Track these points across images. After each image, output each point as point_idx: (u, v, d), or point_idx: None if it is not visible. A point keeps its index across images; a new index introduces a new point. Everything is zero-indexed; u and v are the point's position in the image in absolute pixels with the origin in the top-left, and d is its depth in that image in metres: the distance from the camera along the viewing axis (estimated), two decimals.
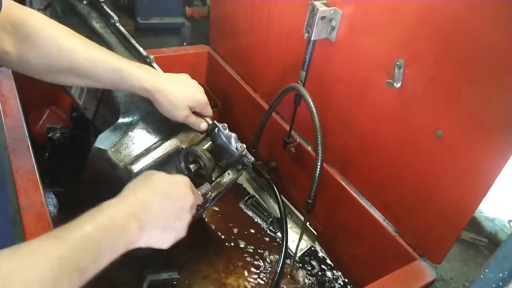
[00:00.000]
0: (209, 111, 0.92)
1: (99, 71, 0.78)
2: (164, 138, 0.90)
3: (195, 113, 0.90)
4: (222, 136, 0.91)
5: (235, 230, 1.22)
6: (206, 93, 0.93)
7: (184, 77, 0.91)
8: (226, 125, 0.91)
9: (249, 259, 1.14)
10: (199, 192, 0.77)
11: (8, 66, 0.78)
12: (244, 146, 0.90)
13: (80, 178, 0.97)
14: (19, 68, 0.77)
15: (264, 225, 1.26)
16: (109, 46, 0.97)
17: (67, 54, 0.76)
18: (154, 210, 0.63)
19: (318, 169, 0.91)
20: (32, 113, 1.30)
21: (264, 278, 1.10)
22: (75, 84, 0.81)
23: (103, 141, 0.88)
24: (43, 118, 1.29)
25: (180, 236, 0.68)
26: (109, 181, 0.87)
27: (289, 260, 1.15)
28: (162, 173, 0.69)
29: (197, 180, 0.82)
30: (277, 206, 1.24)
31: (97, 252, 0.55)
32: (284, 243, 1.12)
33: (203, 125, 0.90)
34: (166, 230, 0.66)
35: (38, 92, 1.27)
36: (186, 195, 0.68)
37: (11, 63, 0.75)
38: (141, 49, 0.97)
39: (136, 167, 0.84)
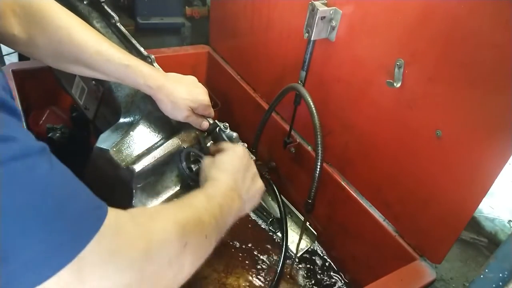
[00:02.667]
0: (211, 112, 0.92)
1: (107, 64, 0.78)
2: (166, 137, 0.90)
3: (198, 115, 0.90)
4: (224, 136, 0.91)
5: (235, 230, 1.22)
6: None
7: (191, 79, 0.91)
8: (227, 124, 0.91)
9: (249, 259, 1.14)
10: None
11: (14, 48, 0.77)
12: (245, 145, 0.90)
13: (81, 178, 0.97)
14: (25, 51, 0.77)
15: (264, 225, 1.26)
16: None
17: (77, 44, 0.75)
18: (240, 183, 0.75)
19: (318, 169, 0.91)
20: (32, 113, 1.30)
21: (264, 278, 1.10)
22: (80, 73, 0.81)
23: (105, 141, 0.88)
24: (43, 118, 1.29)
25: (263, 189, 0.82)
26: (111, 180, 0.87)
27: (289, 260, 1.15)
28: (225, 155, 0.78)
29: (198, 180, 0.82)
30: (277, 206, 1.24)
31: (219, 212, 0.64)
32: (284, 243, 1.12)
33: (205, 124, 0.90)
34: (252, 194, 0.79)
35: (38, 92, 1.27)
36: (252, 162, 0.82)
37: (18, 45, 0.74)
38: (141, 49, 0.97)
39: (137, 167, 0.84)
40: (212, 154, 0.82)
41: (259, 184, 0.81)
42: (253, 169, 0.81)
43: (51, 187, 0.39)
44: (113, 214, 0.44)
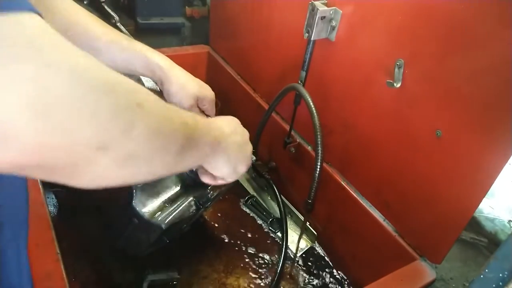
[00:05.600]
0: (213, 110, 0.93)
1: (115, 47, 0.78)
2: None
3: (200, 110, 0.90)
4: None
5: (235, 230, 1.22)
6: None
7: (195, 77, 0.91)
8: None
9: (249, 259, 1.14)
10: None
11: None
12: (254, 157, 0.90)
13: None
14: None
15: (264, 225, 1.26)
16: None
17: (92, 36, 0.75)
18: (228, 137, 0.65)
19: (318, 169, 0.91)
20: None
21: (264, 278, 1.10)
22: None
23: None
24: None
25: (248, 164, 0.73)
26: None
27: (289, 260, 1.15)
28: (218, 118, 0.70)
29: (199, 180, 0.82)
30: (277, 206, 1.24)
31: (185, 141, 0.49)
32: (284, 243, 1.12)
33: None
34: (239, 156, 0.69)
35: None
36: (242, 128, 0.74)
37: None
38: None
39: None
40: None
41: (248, 153, 0.74)
42: (244, 133, 0.74)
43: None
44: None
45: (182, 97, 0.84)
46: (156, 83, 0.87)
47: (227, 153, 0.65)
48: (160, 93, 0.87)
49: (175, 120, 0.47)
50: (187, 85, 0.83)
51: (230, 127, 0.68)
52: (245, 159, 0.72)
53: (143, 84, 0.92)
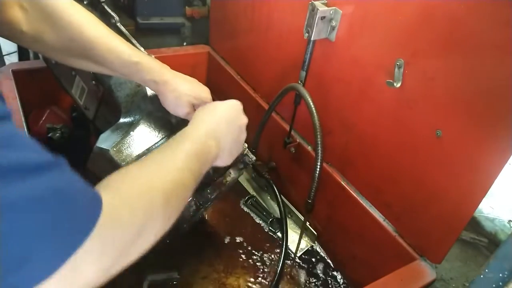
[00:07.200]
0: None
1: (117, 61, 0.78)
2: (166, 137, 0.90)
3: None
4: None
5: (235, 230, 1.22)
6: None
7: (193, 79, 0.91)
8: None
9: (249, 259, 1.14)
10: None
11: (21, 43, 0.76)
12: (246, 145, 0.90)
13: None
14: (31, 46, 0.76)
15: (264, 225, 1.26)
16: None
17: (88, 41, 0.75)
18: (222, 132, 0.75)
19: (318, 169, 0.91)
20: (32, 113, 1.30)
21: (264, 278, 1.10)
22: (87, 68, 0.81)
23: (105, 140, 0.88)
24: (43, 118, 1.29)
25: (241, 149, 0.83)
26: None
27: (289, 260, 1.15)
28: (219, 102, 0.80)
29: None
30: (277, 206, 1.24)
31: (196, 162, 0.63)
32: (284, 243, 1.12)
33: None
34: (233, 146, 0.78)
35: (38, 92, 1.27)
36: (241, 116, 0.82)
37: (25, 41, 0.73)
38: (142, 49, 0.97)
39: None
40: None
41: (241, 139, 0.82)
42: (243, 124, 0.81)
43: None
44: (108, 200, 0.43)
45: (176, 107, 0.86)
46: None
47: (224, 149, 0.75)
48: None
49: (188, 182, 0.60)
50: (181, 96, 0.84)
51: (226, 124, 0.76)
52: (239, 147, 0.82)
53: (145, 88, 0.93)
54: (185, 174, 0.59)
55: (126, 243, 0.45)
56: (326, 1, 0.96)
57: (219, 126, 0.74)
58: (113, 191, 0.47)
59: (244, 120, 0.82)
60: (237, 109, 0.82)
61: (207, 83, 0.91)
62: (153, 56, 0.95)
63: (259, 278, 1.10)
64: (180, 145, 0.64)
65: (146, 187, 0.52)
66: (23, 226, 0.34)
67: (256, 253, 1.16)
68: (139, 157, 0.86)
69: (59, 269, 0.37)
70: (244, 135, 0.82)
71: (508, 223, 1.64)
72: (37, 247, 0.35)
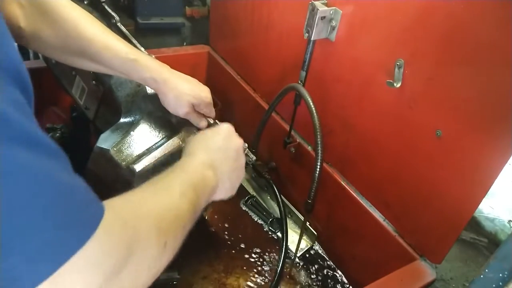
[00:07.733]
0: (212, 111, 0.92)
1: (114, 59, 0.78)
2: (166, 137, 0.90)
3: (198, 113, 0.90)
4: None
5: (235, 230, 1.22)
6: None
7: (193, 79, 0.91)
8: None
9: (249, 259, 1.14)
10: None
11: (19, 42, 0.75)
12: (246, 145, 0.90)
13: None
14: (29, 44, 0.75)
15: (264, 225, 1.26)
16: None
17: (84, 38, 0.75)
18: (219, 160, 0.72)
19: (318, 169, 0.91)
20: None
21: (264, 278, 1.10)
22: (85, 67, 0.81)
23: (105, 140, 0.88)
24: (43, 118, 1.29)
25: (243, 175, 0.81)
26: (111, 180, 0.87)
27: (289, 260, 1.15)
28: (209, 130, 0.78)
29: None
30: (277, 206, 1.24)
31: (193, 192, 0.61)
32: (284, 243, 1.12)
33: (203, 123, 0.91)
34: (232, 173, 0.76)
35: (38, 92, 1.27)
36: (236, 139, 0.79)
37: (23, 38, 0.73)
38: (142, 49, 0.97)
39: (138, 167, 0.84)
40: None
41: (241, 163, 0.79)
42: (239, 147, 0.79)
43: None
44: (109, 213, 0.42)
45: (176, 107, 0.86)
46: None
47: (224, 178, 0.73)
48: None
49: (183, 213, 0.58)
50: (181, 95, 0.84)
51: (221, 151, 0.74)
52: (239, 173, 0.80)
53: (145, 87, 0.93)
54: (181, 204, 0.57)
55: (116, 262, 0.42)
56: (326, 1, 0.96)
57: (214, 155, 0.72)
58: (113, 208, 0.44)
59: (239, 143, 0.79)
60: (230, 133, 0.79)
61: (207, 83, 0.92)
62: (153, 56, 0.96)
63: (259, 278, 1.10)
64: (176, 177, 0.62)
65: (140, 207, 0.50)
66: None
67: (256, 253, 1.16)
68: (139, 157, 0.86)
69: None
70: (243, 159, 0.80)
71: (508, 223, 1.64)
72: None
